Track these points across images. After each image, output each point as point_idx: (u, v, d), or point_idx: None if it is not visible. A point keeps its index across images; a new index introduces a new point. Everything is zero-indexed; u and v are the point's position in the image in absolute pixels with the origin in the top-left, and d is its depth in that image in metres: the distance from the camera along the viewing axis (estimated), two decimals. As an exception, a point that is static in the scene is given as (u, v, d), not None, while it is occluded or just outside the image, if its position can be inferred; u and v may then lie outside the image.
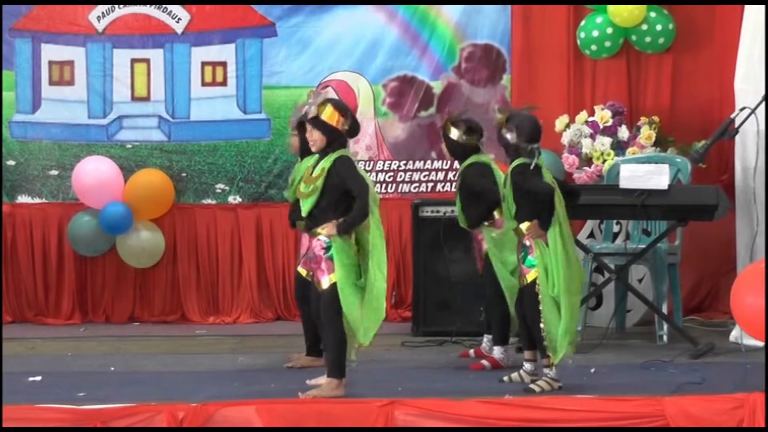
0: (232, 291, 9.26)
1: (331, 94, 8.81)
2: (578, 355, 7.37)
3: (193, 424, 5.54)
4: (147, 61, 9.31)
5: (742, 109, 7.40)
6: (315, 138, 6.37)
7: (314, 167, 6.39)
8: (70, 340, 8.40)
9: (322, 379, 6.39)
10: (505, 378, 6.68)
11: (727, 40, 8.58)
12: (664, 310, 7.91)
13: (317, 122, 6.34)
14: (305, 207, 6.39)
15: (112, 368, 7.25)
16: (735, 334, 7.76)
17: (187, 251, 9.27)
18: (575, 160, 8.64)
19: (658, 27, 8.96)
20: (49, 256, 9.23)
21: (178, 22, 9.29)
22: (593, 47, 9.06)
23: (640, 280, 8.56)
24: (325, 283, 6.31)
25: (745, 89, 7.79)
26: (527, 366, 6.65)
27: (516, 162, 6.48)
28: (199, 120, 9.31)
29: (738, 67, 7.89)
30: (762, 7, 7.80)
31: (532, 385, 6.42)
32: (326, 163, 6.33)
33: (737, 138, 7.63)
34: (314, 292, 6.44)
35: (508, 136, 6.48)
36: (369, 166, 9.22)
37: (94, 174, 9.05)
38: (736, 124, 7.41)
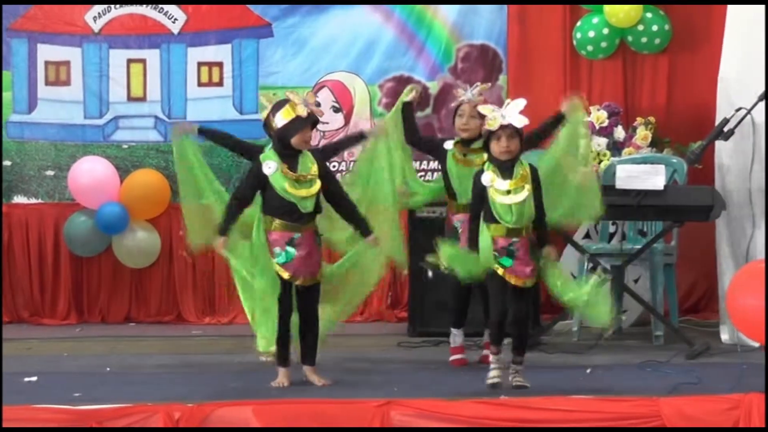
0: (228, 291, 9.24)
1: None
2: (574, 356, 7.39)
3: (189, 425, 5.53)
4: (143, 61, 9.31)
5: (738, 110, 7.41)
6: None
7: None
8: (66, 341, 8.40)
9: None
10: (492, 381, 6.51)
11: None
12: (660, 310, 7.92)
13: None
14: None
15: (108, 368, 7.23)
16: (725, 337, 7.76)
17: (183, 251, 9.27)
18: (571, 161, 8.63)
19: (654, 27, 8.97)
20: (45, 256, 9.24)
21: (174, 22, 9.28)
22: (589, 48, 9.07)
23: (636, 281, 8.56)
24: None
25: (727, 79, 7.81)
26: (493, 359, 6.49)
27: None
28: (195, 120, 9.28)
29: (723, 63, 7.91)
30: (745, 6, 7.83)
31: (519, 382, 6.34)
32: None
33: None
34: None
35: None
36: (365, 166, 9.20)
37: (90, 174, 9.06)
38: (732, 125, 7.43)
